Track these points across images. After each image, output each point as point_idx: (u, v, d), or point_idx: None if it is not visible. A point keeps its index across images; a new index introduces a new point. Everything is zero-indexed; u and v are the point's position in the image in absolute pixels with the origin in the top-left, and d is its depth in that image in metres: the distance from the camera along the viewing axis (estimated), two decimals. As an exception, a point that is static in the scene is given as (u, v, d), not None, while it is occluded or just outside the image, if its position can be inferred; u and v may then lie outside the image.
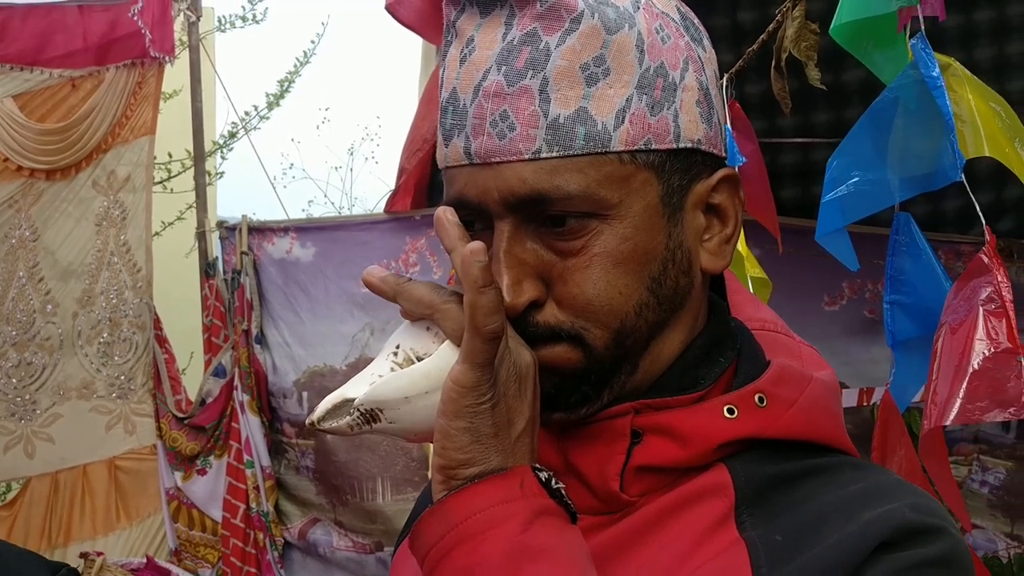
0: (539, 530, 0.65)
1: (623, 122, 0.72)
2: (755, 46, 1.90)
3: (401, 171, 3.39)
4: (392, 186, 3.57)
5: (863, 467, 0.76)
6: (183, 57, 3.93)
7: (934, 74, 1.25)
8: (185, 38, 3.97)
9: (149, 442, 3.70)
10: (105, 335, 3.69)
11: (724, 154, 0.80)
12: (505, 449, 0.68)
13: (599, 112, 0.72)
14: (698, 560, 0.71)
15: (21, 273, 3.63)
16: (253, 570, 3.54)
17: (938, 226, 3.12)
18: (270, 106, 4.51)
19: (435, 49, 3.37)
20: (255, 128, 4.45)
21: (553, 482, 0.69)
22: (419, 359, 0.71)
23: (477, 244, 0.66)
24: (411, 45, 3.61)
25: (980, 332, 1.14)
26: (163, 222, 4.61)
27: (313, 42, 4.42)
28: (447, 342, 0.69)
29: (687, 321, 0.78)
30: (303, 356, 3.59)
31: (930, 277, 1.38)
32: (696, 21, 0.80)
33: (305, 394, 3.57)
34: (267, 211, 4.04)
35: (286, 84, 4.50)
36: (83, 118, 3.62)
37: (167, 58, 3.70)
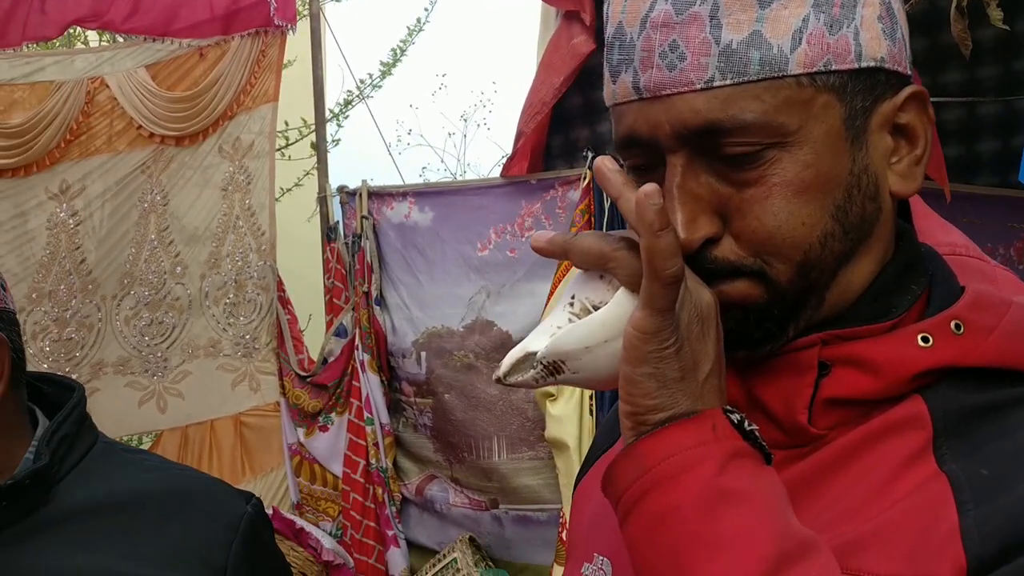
0: (734, 472, 0.64)
1: (800, 43, 0.69)
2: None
3: (519, 135, 3.42)
4: (505, 151, 3.61)
5: None
6: (299, 27, 4.02)
7: None
8: (302, 8, 4.06)
9: (273, 399, 3.83)
10: (231, 296, 3.83)
11: (909, 72, 0.76)
12: (693, 392, 0.66)
13: (774, 34, 0.68)
14: (895, 494, 0.68)
15: (152, 236, 3.79)
16: (372, 524, 3.64)
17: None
18: (383, 74, 4.59)
19: (554, 12, 3.39)
20: (369, 96, 4.55)
21: (746, 424, 0.68)
22: (595, 308, 0.71)
23: (651, 186, 0.64)
24: (528, 8, 3.63)
25: None
26: (281, 188, 4.73)
27: (427, 9, 4.48)
28: (622, 289, 0.69)
29: (876, 249, 0.75)
30: (421, 318, 3.66)
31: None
32: None
33: (423, 354, 3.65)
34: (381, 177, 4.12)
35: (398, 53, 4.57)
36: (210, 86, 3.75)
37: (289, 26, 3.80)
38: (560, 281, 3.23)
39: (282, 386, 3.80)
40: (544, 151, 3.57)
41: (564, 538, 3.23)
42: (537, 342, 0.71)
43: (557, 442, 3.27)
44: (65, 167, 3.70)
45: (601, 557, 0.85)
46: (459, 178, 6.14)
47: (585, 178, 3.27)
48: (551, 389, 3.28)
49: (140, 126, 3.71)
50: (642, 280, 0.65)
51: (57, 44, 4.81)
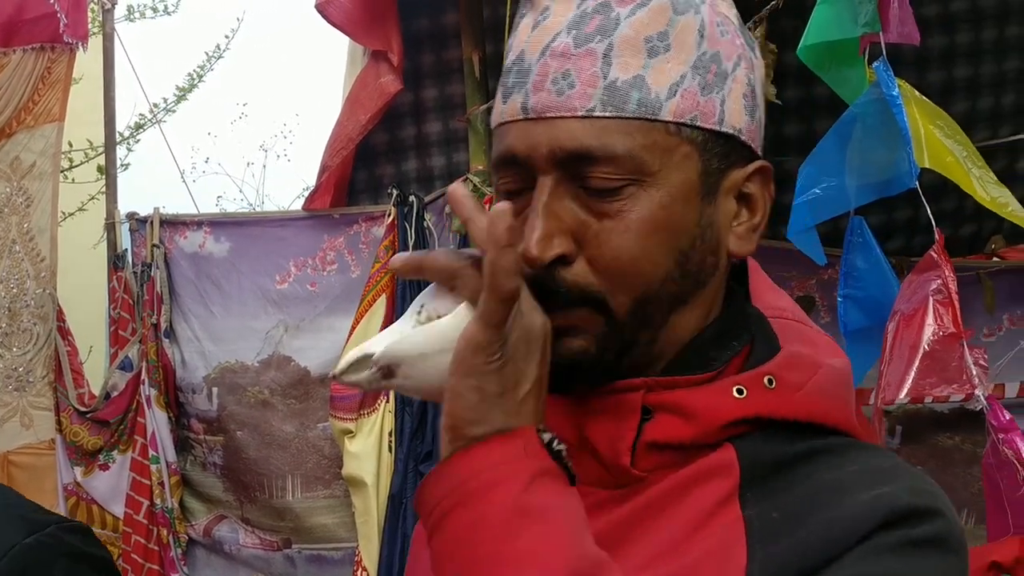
0: (539, 489, 0.67)
1: (675, 95, 0.76)
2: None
3: (323, 169, 3.40)
4: (306, 183, 3.59)
5: (867, 449, 0.78)
6: (90, 44, 3.83)
7: (894, 93, 1.40)
8: (94, 27, 3.88)
9: (47, 437, 3.56)
10: (3, 325, 3.56)
11: (760, 150, 0.84)
12: (510, 410, 0.69)
13: (655, 83, 0.76)
14: (700, 538, 0.73)
15: (-88, 258, 3.48)
16: (155, 567, 3.46)
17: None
18: (178, 99, 4.45)
19: (361, 50, 3.41)
20: (162, 121, 4.39)
21: (555, 443, 0.70)
22: (440, 318, 0.72)
23: (504, 205, 0.69)
24: (332, 43, 3.64)
25: (930, 319, 1.29)
26: (63, 212, 4.47)
27: (227, 36, 4.39)
28: (465, 303, 0.71)
29: (706, 301, 0.82)
30: (214, 352, 3.54)
31: (879, 273, 1.53)
32: (749, 33, 0.85)
33: (215, 390, 3.53)
34: (172, 205, 3.99)
35: (195, 78, 4.44)
36: (-14, 101, 3.50)
37: (80, 44, 3.61)
38: (364, 314, 3.22)
39: (58, 422, 3.56)
40: (348, 186, 3.57)
41: (359, 577, 3.20)
42: (377, 344, 0.72)
43: (354, 479, 3.24)
44: None
45: None
46: (257, 209, 6.01)
47: (390, 215, 3.29)
48: (350, 426, 3.26)
49: (-98, 139, 3.41)
50: (481, 294, 0.67)
51: None
